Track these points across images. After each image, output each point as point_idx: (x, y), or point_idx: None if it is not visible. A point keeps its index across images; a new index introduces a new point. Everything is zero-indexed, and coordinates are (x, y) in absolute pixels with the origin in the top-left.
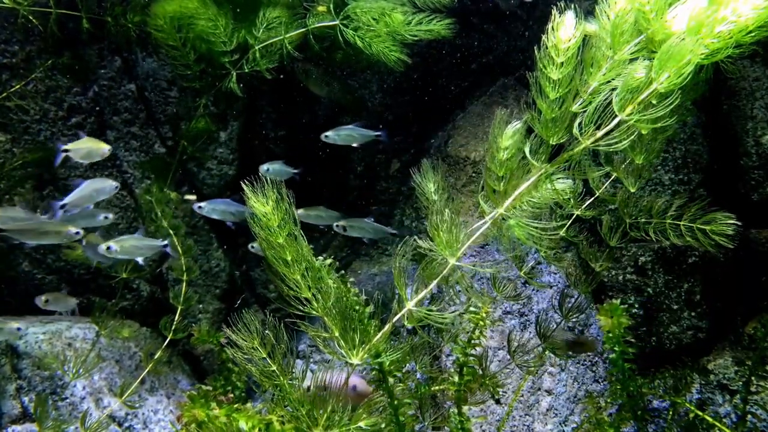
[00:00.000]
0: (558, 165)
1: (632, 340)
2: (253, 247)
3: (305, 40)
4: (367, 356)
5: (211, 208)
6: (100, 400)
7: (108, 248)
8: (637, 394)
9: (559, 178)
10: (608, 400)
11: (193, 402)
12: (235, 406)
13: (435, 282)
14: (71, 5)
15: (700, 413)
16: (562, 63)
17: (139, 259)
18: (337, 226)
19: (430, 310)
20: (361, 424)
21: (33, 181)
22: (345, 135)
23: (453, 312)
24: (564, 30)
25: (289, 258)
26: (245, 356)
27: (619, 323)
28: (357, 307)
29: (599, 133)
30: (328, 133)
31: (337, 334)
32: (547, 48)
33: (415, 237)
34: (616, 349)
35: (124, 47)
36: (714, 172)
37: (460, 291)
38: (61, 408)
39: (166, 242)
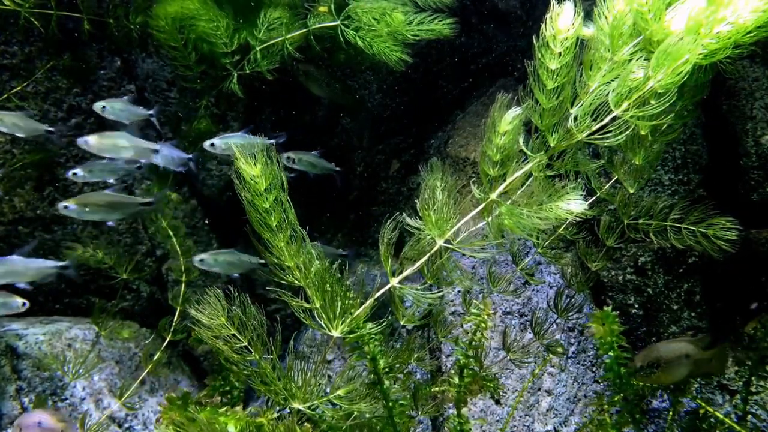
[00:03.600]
0: (552, 153)
1: (627, 345)
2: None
3: (306, 41)
4: (348, 329)
5: (164, 156)
6: (100, 400)
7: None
8: (634, 398)
9: (572, 199)
10: (609, 402)
11: (170, 404)
12: (223, 409)
13: (422, 261)
14: (71, 6)
15: (710, 409)
16: (560, 53)
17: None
18: (288, 158)
19: (415, 288)
20: (340, 392)
21: (33, 182)
22: (111, 144)
23: (437, 293)
24: (562, 20)
25: (274, 224)
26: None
27: (611, 330)
28: (338, 280)
29: (594, 127)
30: (88, 139)
31: (318, 305)
32: (545, 38)
33: (404, 214)
34: (610, 354)
35: (124, 48)
36: (714, 172)
37: (460, 291)
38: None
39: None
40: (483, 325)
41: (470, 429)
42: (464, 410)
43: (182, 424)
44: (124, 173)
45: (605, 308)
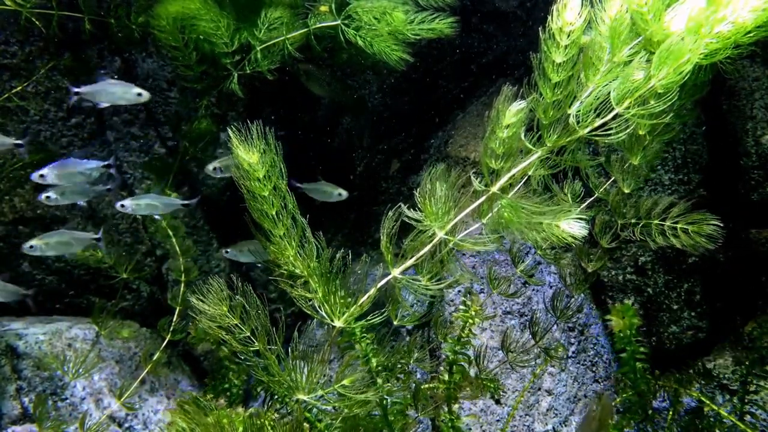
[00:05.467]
0: (554, 147)
1: (643, 339)
2: (227, 252)
3: (307, 41)
4: (351, 319)
5: (55, 174)
6: (100, 400)
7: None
8: (648, 393)
9: (572, 220)
10: (614, 403)
11: (181, 408)
12: (225, 411)
13: (424, 251)
14: (72, 6)
15: (714, 407)
16: (566, 46)
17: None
18: (214, 169)
19: (416, 279)
20: (345, 382)
21: (33, 183)
22: None
23: (439, 284)
24: (569, 12)
25: (273, 212)
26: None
27: (631, 324)
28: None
29: (597, 123)
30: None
31: (320, 295)
32: (551, 30)
33: (401, 205)
34: (627, 348)
35: (125, 48)
36: (714, 172)
37: (461, 290)
38: (61, 408)
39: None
40: (470, 321)
41: (461, 426)
42: (456, 407)
43: (195, 424)
44: (95, 195)
45: (626, 302)
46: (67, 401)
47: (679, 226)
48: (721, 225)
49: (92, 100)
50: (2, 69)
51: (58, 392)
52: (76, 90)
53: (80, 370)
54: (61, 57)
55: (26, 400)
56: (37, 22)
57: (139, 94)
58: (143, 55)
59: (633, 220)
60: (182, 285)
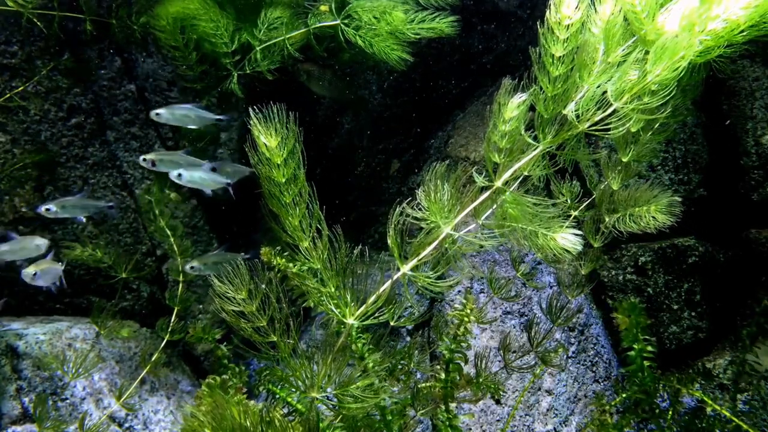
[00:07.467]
0: (555, 143)
1: (650, 338)
2: (192, 267)
3: (308, 41)
4: (363, 315)
5: None
6: (100, 400)
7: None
8: (654, 391)
9: (564, 235)
10: (613, 403)
11: (210, 389)
12: (236, 399)
13: (432, 246)
14: (73, 7)
15: (716, 406)
16: (565, 39)
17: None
18: (143, 160)
19: (426, 276)
20: (359, 383)
21: (33, 183)
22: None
23: (450, 281)
24: (566, 6)
25: (288, 200)
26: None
27: (637, 322)
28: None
29: (597, 117)
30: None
31: (333, 289)
32: (549, 24)
33: (404, 205)
34: (635, 347)
35: (125, 48)
36: (714, 172)
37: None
38: (61, 408)
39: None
40: (466, 319)
41: (459, 425)
42: (453, 406)
43: (220, 406)
44: (95, 210)
45: (632, 299)
46: (67, 401)
47: (644, 210)
48: (679, 199)
49: None
50: (3, 69)
51: (58, 392)
52: None
53: (80, 370)
54: (61, 57)
55: (26, 400)
56: (38, 23)
57: None
58: (143, 55)
59: (616, 216)
60: (180, 285)
